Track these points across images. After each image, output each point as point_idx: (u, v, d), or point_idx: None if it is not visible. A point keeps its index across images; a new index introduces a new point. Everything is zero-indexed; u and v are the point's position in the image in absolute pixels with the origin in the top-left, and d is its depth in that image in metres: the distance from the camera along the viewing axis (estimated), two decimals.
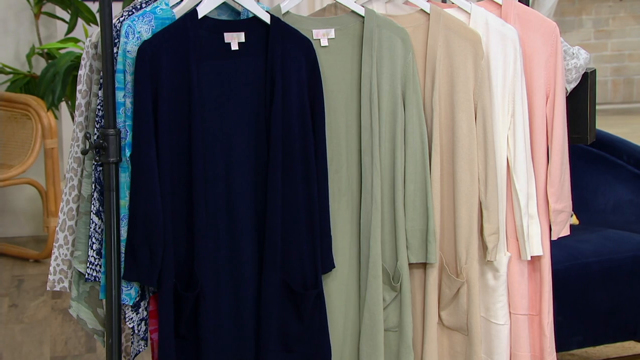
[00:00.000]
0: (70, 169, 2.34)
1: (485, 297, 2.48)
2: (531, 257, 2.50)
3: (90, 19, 4.93)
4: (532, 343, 2.55)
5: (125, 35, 2.17)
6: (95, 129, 2.25)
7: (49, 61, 4.94)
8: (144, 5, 2.27)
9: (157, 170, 2.16)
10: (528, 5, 2.61)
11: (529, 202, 2.47)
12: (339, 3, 2.37)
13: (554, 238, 2.55)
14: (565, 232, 2.58)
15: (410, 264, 2.39)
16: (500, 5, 2.50)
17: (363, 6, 2.36)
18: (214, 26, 2.23)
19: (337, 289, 2.37)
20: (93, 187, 2.26)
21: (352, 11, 2.36)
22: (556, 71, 2.49)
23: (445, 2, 2.56)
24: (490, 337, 2.49)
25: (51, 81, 4.71)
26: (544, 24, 2.50)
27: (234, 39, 2.24)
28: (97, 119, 2.25)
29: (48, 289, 2.40)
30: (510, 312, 2.51)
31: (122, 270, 2.20)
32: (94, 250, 2.26)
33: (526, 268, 2.53)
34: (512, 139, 2.44)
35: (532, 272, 2.54)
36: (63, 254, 2.36)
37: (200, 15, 2.21)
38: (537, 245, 2.49)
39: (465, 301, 2.42)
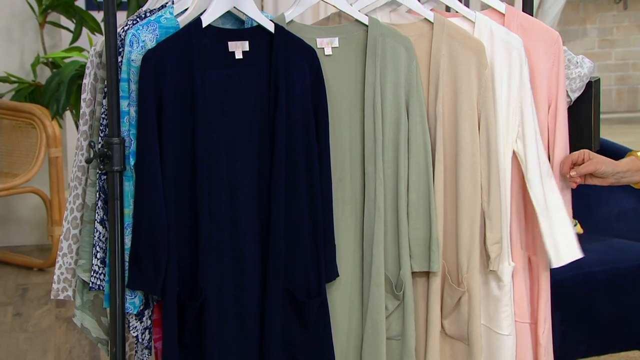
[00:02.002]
0: (75, 177, 2.35)
1: (489, 307, 2.47)
2: (532, 265, 2.50)
3: (94, 28, 4.94)
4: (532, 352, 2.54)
5: (130, 44, 2.18)
6: (100, 138, 2.25)
7: (54, 70, 4.95)
8: (148, 15, 2.28)
9: (161, 179, 2.16)
10: (532, 15, 2.61)
11: (549, 208, 2.45)
12: (343, 12, 2.38)
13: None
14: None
15: (413, 273, 2.38)
16: (504, 15, 2.49)
17: (367, 15, 2.37)
18: (218, 35, 2.24)
19: (340, 297, 2.36)
20: (97, 195, 2.26)
21: (356, 20, 2.36)
22: (558, 81, 2.49)
23: (449, 11, 2.56)
24: (495, 348, 2.47)
25: (56, 90, 4.72)
26: (547, 33, 2.49)
27: (238, 48, 2.24)
28: (101, 127, 2.26)
29: (52, 297, 2.40)
30: (516, 321, 2.50)
31: (126, 278, 2.20)
32: (98, 259, 2.26)
33: (528, 276, 2.52)
34: (522, 148, 2.43)
35: (532, 279, 2.53)
36: (67, 262, 2.36)
37: (204, 24, 2.21)
38: (575, 248, 2.46)
39: (467, 310, 2.42)
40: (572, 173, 2.46)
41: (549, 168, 2.46)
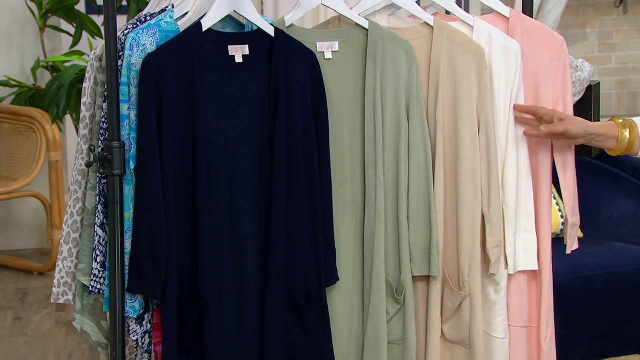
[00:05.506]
0: (75, 181, 2.35)
1: (486, 311, 2.47)
2: (530, 270, 2.50)
3: (95, 32, 4.95)
4: (530, 356, 2.54)
5: (130, 48, 2.18)
6: (100, 142, 2.25)
7: (54, 74, 4.95)
8: (148, 19, 2.28)
9: (162, 183, 2.16)
10: (532, 19, 2.61)
11: (524, 219, 2.45)
12: (343, 16, 2.38)
13: (568, 252, 2.54)
14: (576, 245, 2.57)
15: (413, 277, 2.38)
16: (508, 19, 2.49)
17: (367, 19, 2.37)
18: (218, 39, 2.24)
19: (341, 302, 2.36)
20: (97, 199, 2.26)
21: (356, 24, 2.36)
22: (565, 86, 2.48)
23: (449, 15, 2.56)
24: (491, 351, 2.48)
25: (56, 94, 4.72)
26: (552, 38, 2.48)
27: (238, 52, 2.24)
28: (101, 131, 2.26)
29: (52, 301, 2.40)
30: (509, 325, 2.50)
31: (126, 282, 2.20)
32: (98, 263, 2.26)
33: (526, 280, 2.52)
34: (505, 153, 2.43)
35: (533, 284, 2.54)
36: (67, 266, 2.36)
37: (204, 28, 2.22)
38: (533, 260, 2.48)
39: (468, 315, 2.42)
40: (542, 128, 2.40)
41: (528, 173, 2.45)
